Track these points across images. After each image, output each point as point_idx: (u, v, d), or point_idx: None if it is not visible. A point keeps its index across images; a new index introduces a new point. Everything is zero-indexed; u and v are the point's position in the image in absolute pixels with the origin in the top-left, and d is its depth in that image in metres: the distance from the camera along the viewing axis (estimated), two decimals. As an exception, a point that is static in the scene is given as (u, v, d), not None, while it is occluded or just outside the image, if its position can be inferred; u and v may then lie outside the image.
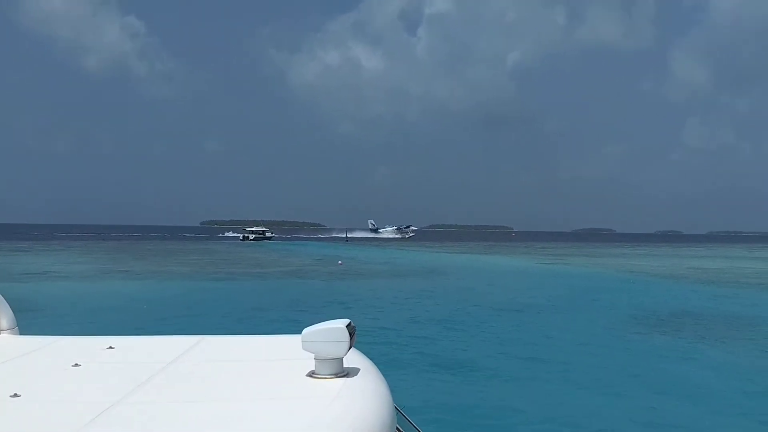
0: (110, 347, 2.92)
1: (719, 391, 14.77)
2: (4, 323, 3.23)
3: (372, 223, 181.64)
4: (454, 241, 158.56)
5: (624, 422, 12.47)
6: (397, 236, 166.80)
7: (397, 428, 2.45)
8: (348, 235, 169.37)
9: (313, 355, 2.28)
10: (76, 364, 2.58)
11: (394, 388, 2.32)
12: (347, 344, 2.23)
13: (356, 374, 2.30)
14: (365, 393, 2.15)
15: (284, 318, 24.37)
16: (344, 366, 2.30)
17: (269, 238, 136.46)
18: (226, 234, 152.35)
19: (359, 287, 38.12)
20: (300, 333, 2.25)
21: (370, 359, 2.56)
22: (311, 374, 2.30)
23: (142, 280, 40.71)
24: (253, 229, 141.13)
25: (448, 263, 65.02)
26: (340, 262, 60.78)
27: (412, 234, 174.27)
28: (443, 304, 29.99)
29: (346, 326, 2.24)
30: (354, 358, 2.44)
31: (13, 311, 3.29)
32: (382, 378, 2.38)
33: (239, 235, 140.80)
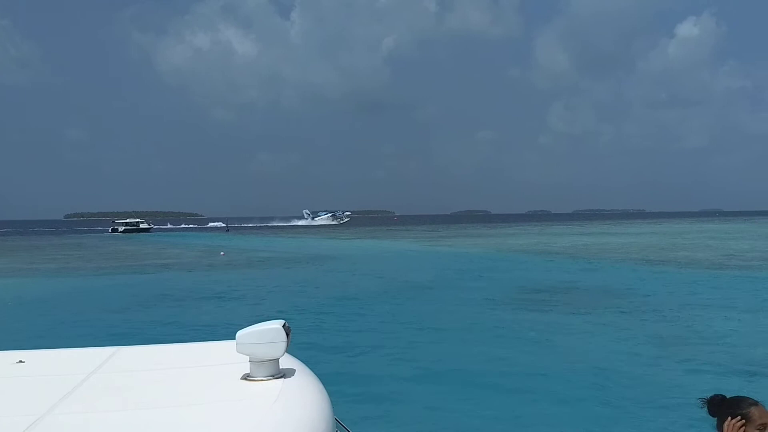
0: (20, 361, 2.75)
1: (591, 356, 15.61)
2: None
3: (307, 212, 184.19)
4: (337, 227, 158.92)
5: (499, 390, 12.91)
6: (333, 222, 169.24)
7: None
8: (280, 224, 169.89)
9: (247, 359, 2.25)
10: None
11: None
12: (284, 345, 2.21)
13: (293, 375, 2.30)
14: (305, 393, 2.16)
15: (165, 314, 23.18)
16: (280, 368, 2.28)
17: (147, 230, 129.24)
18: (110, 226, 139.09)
19: (243, 277, 37.04)
20: (221, 339, 2.27)
21: (303, 360, 2.54)
22: (246, 377, 2.27)
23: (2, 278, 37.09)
24: (128, 220, 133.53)
25: (333, 249, 64.93)
26: (222, 252, 59.20)
27: (347, 219, 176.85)
28: (328, 290, 29.77)
29: (282, 326, 2.23)
30: (286, 360, 2.39)
31: None
32: (317, 378, 2.39)
33: (111, 227, 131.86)
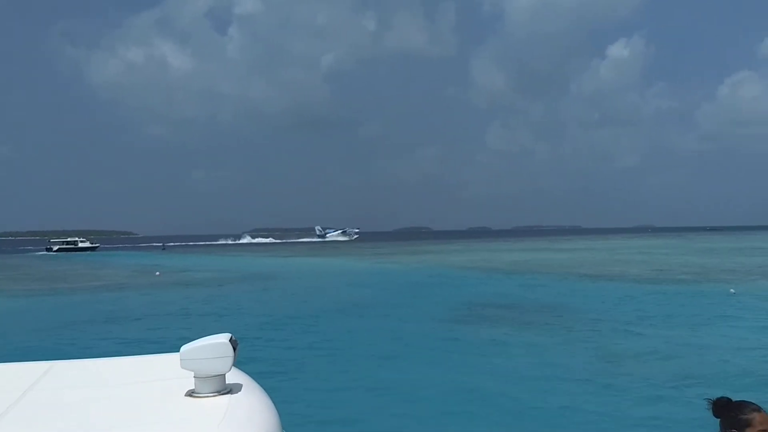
0: None
1: (529, 372, 15.73)
2: None
3: (319, 229, 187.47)
4: (279, 245, 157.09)
5: (442, 406, 12.89)
6: (343, 239, 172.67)
7: None
8: (300, 240, 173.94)
9: (191, 374, 2.11)
10: None
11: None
12: (231, 359, 2.10)
13: (240, 390, 2.17)
14: (253, 409, 2.04)
15: (100, 336, 22.17)
16: (226, 383, 2.15)
17: (92, 249, 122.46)
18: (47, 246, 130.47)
19: (180, 298, 35.91)
20: (158, 353, 2.18)
21: (250, 375, 2.41)
22: (191, 393, 2.13)
23: None
24: (68, 239, 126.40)
25: (275, 267, 63.98)
26: (158, 272, 57.38)
27: (356, 236, 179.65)
28: (269, 310, 29.17)
29: (229, 340, 2.11)
30: (233, 375, 2.25)
31: None
32: (265, 393, 2.27)
33: (46, 247, 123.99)
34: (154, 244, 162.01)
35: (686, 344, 19.10)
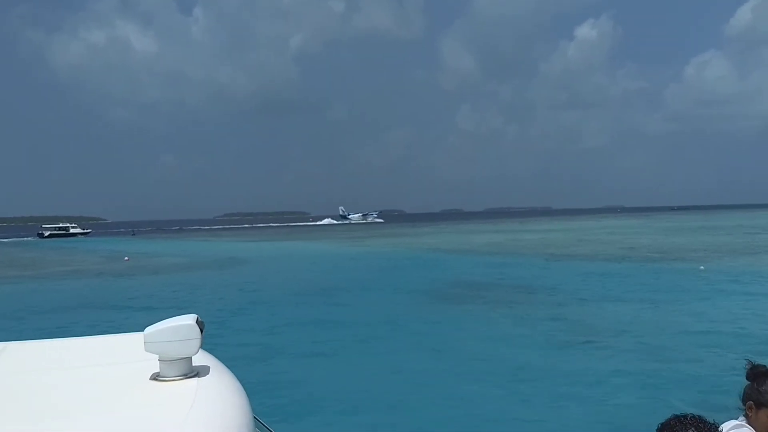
0: None
1: (507, 351, 15.69)
2: None
3: (342, 210, 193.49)
4: (250, 229, 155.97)
5: (422, 391, 12.67)
6: (363, 221, 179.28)
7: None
8: (317, 222, 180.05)
9: (156, 357, 1.98)
10: None
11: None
12: (198, 342, 1.97)
13: (208, 373, 2.04)
14: (222, 392, 1.92)
15: (65, 321, 21.59)
16: (193, 365, 2.02)
17: (84, 234, 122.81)
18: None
19: (148, 283, 35.29)
20: (126, 332, 2.07)
21: (217, 357, 2.27)
22: (156, 377, 1.99)
23: None
24: (60, 225, 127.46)
25: (247, 251, 63.39)
26: (126, 258, 56.53)
27: (377, 219, 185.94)
28: (241, 294, 28.81)
29: (195, 321, 1.97)
30: (200, 357, 2.11)
31: None
32: (234, 376, 2.13)
33: (38, 232, 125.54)
34: (123, 230, 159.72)
35: (656, 319, 19.24)
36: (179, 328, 1.96)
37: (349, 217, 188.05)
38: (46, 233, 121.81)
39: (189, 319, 1.99)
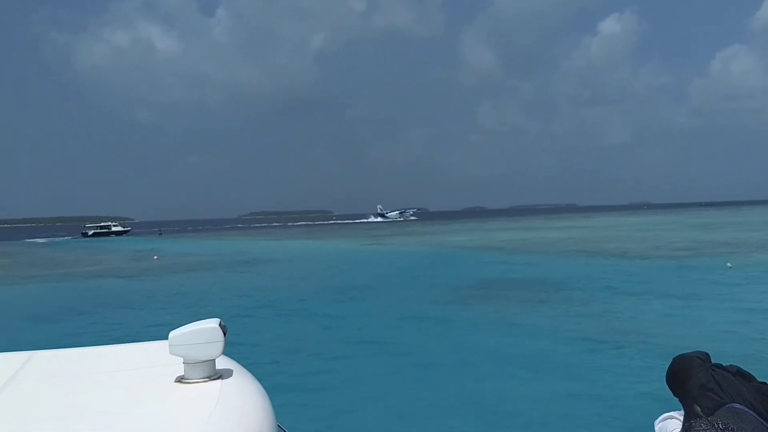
0: None
1: (538, 352, 15.80)
2: None
3: (380, 208, 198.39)
4: (275, 228, 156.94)
5: (445, 394, 12.66)
6: (400, 219, 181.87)
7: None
8: (368, 220, 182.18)
9: (180, 360, 2.05)
10: None
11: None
12: (221, 345, 2.05)
13: (231, 376, 2.12)
14: (245, 396, 1.99)
15: (102, 322, 22.18)
16: (216, 369, 2.10)
17: (124, 232, 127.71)
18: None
19: (179, 282, 35.91)
20: (150, 340, 2.08)
21: (238, 361, 2.36)
22: (181, 380, 2.07)
23: None
24: (102, 224, 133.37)
25: (273, 250, 63.94)
26: (156, 257, 57.40)
27: (413, 217, 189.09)
28: (270, 293, 29.19)
29: (219, 325, 2.05)
30: (222, 361, 2.21)
31: None
32: (256, 379, 2.22)
33: (81, 231, 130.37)
34: (150, 230, 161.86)
35: (686, 318, 19.21)
36: (203, 331, 2.04)
37: (388, 215, 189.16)
38: (90, 232, 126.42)
39: (212, 323, 2.07)
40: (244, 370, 2.28)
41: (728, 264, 32.11)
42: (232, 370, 2.18)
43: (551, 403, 11.67)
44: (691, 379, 2.44)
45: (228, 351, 2.23)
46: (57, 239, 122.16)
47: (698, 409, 2.31)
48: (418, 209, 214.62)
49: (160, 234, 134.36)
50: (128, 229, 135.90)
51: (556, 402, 11.73)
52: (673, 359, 2.63)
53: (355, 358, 16.01)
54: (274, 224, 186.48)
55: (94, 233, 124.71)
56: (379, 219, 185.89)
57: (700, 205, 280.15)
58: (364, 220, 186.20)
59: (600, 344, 16.17)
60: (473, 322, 20.11)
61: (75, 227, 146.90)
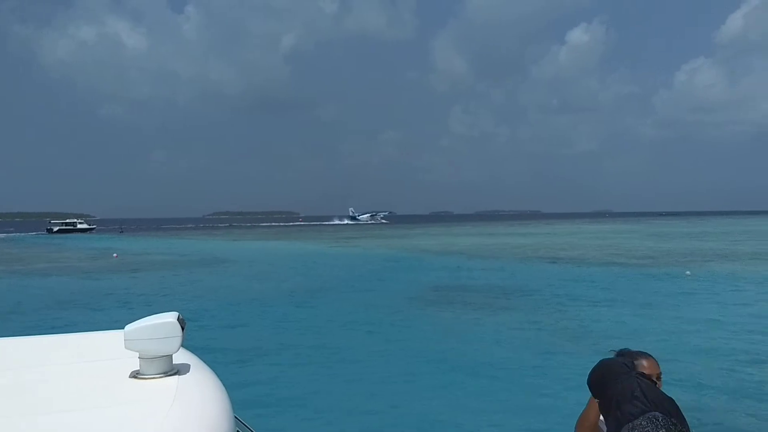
0: None
1: (497, 358, 15.80)
2: None
3: (352, 211, 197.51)
4: (239, 228, 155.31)
5: (398, 386, 12.73)
6: (371, 222, 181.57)
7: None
8: (333, 222, 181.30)
9: (136, 354, 1.97)
10: None
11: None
12: (179, 340, 1.95)
13: (188, 371, 2.03)
14: (203, 391, 1.91)
15: (51, 318, 21.53)
16: (173, 364, 2.02)
17: (89, 230, 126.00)
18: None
19: (136, 281, 35.17)
20: (108, 329, 2.04)
21: (198, 355, 2.27)
22: (136, 375, 1.98)
23: None
24: (68, 221, 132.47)
25: (235, 251, 63.23)
26: (115, 254, 56.32)
27: (384, 220, 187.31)
28: (229, 294, 28.75)
29: (177, 319, 1.97)
30: (180, 355, 2.11)
31: None
32: (215, 374, 2.12)
33: (46, 228, 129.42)
34: (112, 227, 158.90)
35: (641, 323, 19.45)
36: (160, 326, 1.94)
37: (359, 217, 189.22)
38: (55, 228, 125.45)
39: (170, 317, 1.98)
40: (202, 364, 2.20)
41: (687, 272, 32.76)
42: (189, 365, 2.10)
43: (502, 413, 11.62)
44: (617, 385, 2.59)
45: (185, 344, 2.14)
46: (16, 235, 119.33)
47: (619, 414, 2.47)
48: (389, 212, 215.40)
49: (122, 232, 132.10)
50: (93, 226, 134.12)
51: (510, 412, 11.69)
52: (600, 362, 2.79)
53: (306, 359, 15.85)
54: (238, 224, 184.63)
55: (59, 230, 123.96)
56: (346, 221, 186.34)
57: (661, 214, 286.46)
58: (330, 222, 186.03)
59: (555, 350, 16.24)
60: (432, 326, 20.05)
61: (35, 223, 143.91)
